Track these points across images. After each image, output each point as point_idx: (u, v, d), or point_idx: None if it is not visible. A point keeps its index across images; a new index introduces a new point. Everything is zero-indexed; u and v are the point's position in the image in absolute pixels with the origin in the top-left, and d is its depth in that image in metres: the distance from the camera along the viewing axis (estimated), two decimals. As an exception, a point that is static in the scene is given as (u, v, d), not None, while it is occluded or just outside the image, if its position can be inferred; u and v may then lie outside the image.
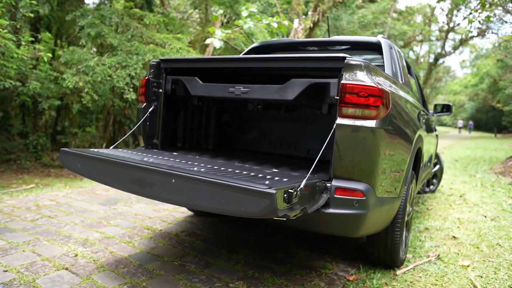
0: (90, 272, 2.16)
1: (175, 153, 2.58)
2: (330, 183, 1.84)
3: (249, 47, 3.47)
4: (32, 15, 7.15)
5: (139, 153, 2.33)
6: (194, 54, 9.27)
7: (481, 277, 2.44)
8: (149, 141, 2.67)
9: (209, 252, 2.60)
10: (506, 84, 24.59)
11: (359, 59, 1.85)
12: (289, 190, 1.47)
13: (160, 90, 2.55)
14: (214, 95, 2.33)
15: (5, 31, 6.03)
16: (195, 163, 2.15)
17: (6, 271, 2.11)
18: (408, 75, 3.43)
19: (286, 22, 8.97)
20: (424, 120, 3.27)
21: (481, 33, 25.24)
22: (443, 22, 30.16)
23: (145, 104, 2.55)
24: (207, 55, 10.58)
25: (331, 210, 1.80)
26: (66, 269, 2.18)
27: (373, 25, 21.08)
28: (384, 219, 2.10)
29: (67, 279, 2.05)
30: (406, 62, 3.54)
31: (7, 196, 3.93)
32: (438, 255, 2.77)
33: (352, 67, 1.83)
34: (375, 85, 1.81)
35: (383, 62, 2.77)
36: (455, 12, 25.79)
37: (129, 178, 1.76)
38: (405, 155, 2.24)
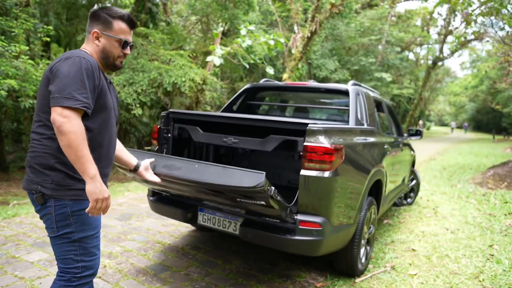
0: (118, 280, 2.83)
1: None
2: (296, 216, 2.49)
3: (243, 88, 4.13)
4: (48, 39, 7.83)
5: None
6: (196, 70, 9.92)
7: (422, 283, 3.09)
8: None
9: (209, 263, 3.27)
10: (505, 86, 25.02)
11: (319, 125, 2.50)
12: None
13: (169, 135, 3.21)
14: (211, 143, 2.99)
15: (27, 57, 6.71)
16: None
17: (54, 279, 2.78)
18: (377, 113, 4.08)
19: (282, 40, 9.64)
20: (388, 152, 3.90)
21: (479, 37, 25.75)
22: (441, 26, 30.63)
23: (157, 146, 3.22)
24: (208, 70, 11.26)
25: (296, 237, 2.46)
26: (99, 277, 2.85)
27: (371, 31, 21.65)
28: (341, 241, 2.76)
29: (101, 286, 2.72)
30: (376, 100, 4.18)
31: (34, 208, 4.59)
32: (393, 266, 3.42)
33: (313, 132, 2.48)
34: (329, 146, 2.45)
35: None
36: (452, 15, 26.27)
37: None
38: (359, 190, 2.90)
